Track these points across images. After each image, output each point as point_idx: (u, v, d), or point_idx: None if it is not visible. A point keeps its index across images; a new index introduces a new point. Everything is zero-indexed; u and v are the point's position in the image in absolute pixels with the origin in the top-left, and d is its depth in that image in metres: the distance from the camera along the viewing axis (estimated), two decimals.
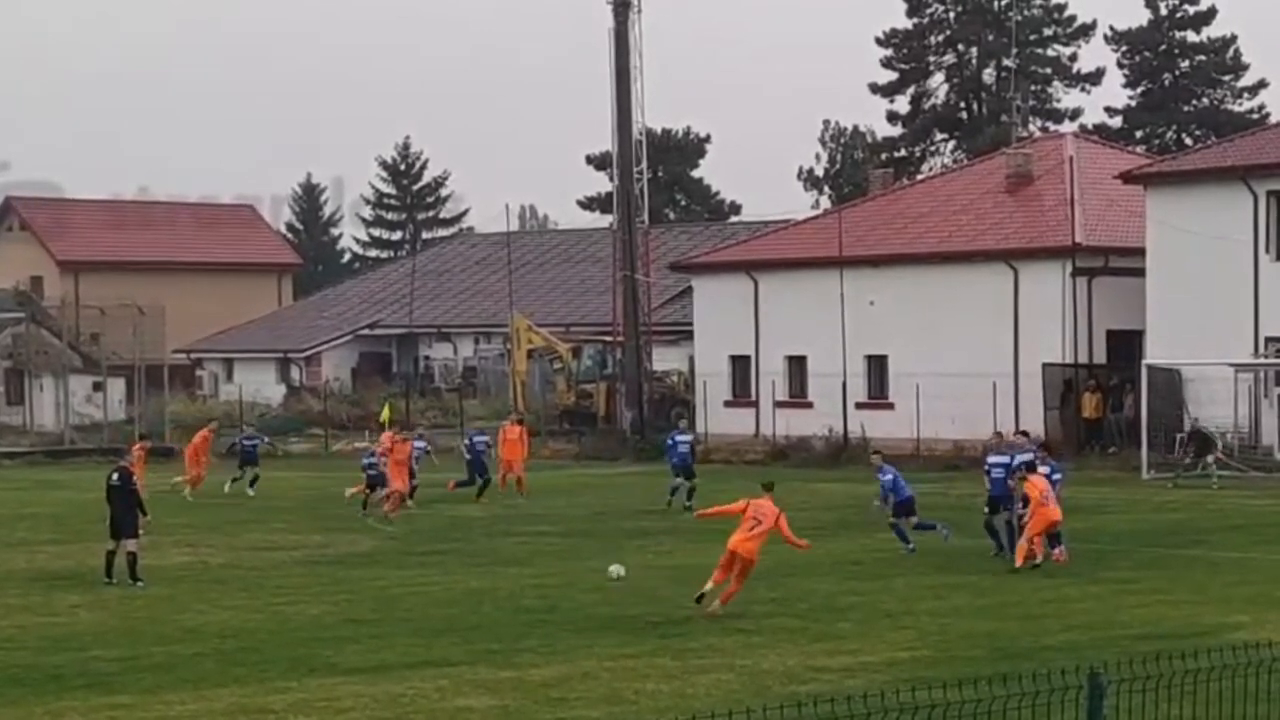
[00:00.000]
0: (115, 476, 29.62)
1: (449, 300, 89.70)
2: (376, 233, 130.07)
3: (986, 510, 31.51)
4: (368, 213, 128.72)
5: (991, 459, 31.71)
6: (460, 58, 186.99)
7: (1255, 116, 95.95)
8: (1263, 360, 51.89)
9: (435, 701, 18.84)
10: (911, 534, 31.78)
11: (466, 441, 46.41)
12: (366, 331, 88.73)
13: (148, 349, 67.25)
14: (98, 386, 69.93)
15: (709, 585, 24.66)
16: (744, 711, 10.66)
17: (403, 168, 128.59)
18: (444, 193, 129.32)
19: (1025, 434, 34.96)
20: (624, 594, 27.12)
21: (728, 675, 20.10)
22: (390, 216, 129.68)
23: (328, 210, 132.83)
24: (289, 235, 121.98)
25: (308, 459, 62.14)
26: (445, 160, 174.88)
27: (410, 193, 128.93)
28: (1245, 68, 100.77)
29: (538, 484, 46.11)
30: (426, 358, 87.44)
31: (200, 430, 49.68)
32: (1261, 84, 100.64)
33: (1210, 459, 46.86)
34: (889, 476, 32.15)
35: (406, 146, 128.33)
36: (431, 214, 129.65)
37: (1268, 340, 52.21)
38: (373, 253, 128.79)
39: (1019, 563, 28.80)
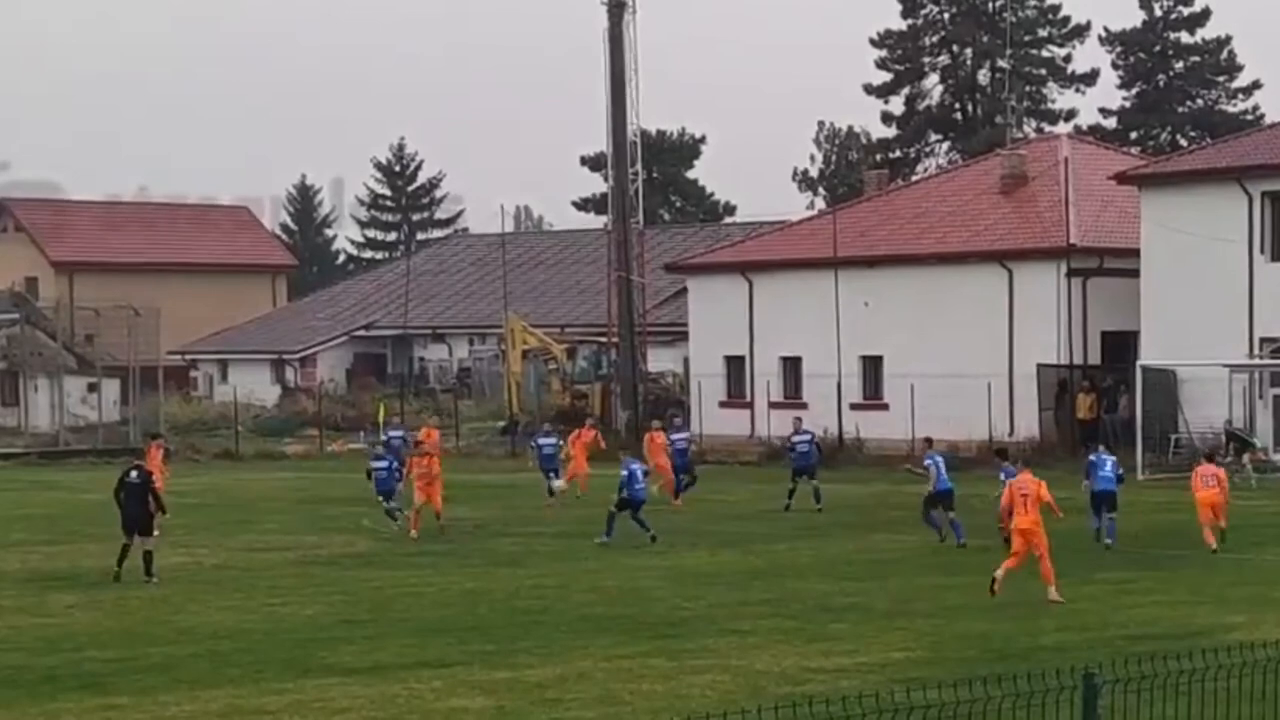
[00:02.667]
0: (135, 475, 29.74)
1: (444, 301, 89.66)
2: (371, 234, 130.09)
3: (929, 505, 33.79)
4: (362, 214, 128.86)
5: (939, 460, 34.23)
6: (455, 58, 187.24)
7: (1250, 117, 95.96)
8: (1258, 361, 51.91)
9: (431, 702, 18.83)
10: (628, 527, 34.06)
11: (533, 444, 45.79)
12: (361, 333, 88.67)
13: (142, 350, 67.15)
14: (92, 388, 69.89)
15: (1000, 571, 25.45)
16: (739, 712, 10.63)
17: (397, 169, 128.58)
18: (439, 194, 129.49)
19: (929, 441, 36.71)
20: (619, 595, 27.15)
21: (723, 676, 20.09)
22: (385, 218, 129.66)
23: (323, 211, 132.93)
24: (283, 236, 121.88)
25: (302, 460, 62.09)
26: (440, 161, 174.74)
27: (405, 194, 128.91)
28: (1240, 69, 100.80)
29: (531, 484, 46.10)
30: (421, 359, 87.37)
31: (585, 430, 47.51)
32: (1256, 85, 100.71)
33: (1246, 459, 46.99)
34: (624, 474, 34.75)
35: (401, 147, 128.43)
36: (426, 215, 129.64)
37: (1262, 341, 52.22)
38: (367, 254, 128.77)
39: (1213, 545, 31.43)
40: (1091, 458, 33.98)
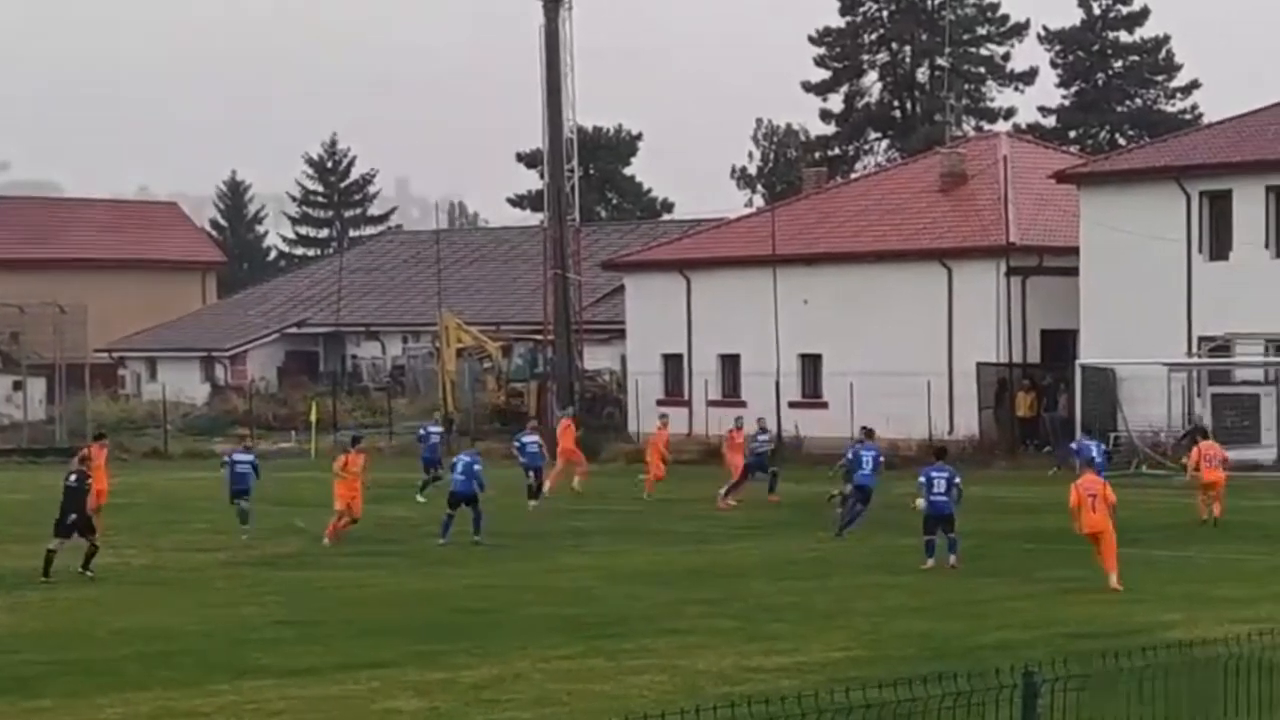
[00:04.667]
0: (73, 478, 29.79)
1: (377, 298, 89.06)
2: (303, 230, 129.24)
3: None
4: (294, 210, 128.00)
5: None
6: (388, 53, 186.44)
7: (1188, 117, 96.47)
8: (1196, 360, 52.06)
9: (366, 703, 18.54)
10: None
11: (516, 443, 44.55)
12: (293, 330, 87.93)
13: (69, 348, 66.39)
14: (17, 386, 69.06)
15: (1112, 577, 26.60)
16: (678, 713, 10.41)
17: (329, 165, 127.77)
18: (371, 190, 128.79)
19: (867, 427, 38.70)
20: (558, 595, 26.89)
21: (662, 676, 19.86)
22: (317, 214, 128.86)
23: (253, 208, 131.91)
24: (213, 233, 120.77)
25: None
26: (372, 158, 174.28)
27: (337, 190, 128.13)
28: (1178, 68, 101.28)
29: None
30: (354, 356, 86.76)
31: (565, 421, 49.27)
32: (1194, 84, 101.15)
33: None
34: (454, 462, 35.38)
35: (333, 144, 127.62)
36: (359, 212, 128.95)
37: (1201, 340, 52.38)
38: (299, 251, 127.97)
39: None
40: (1074, 445, 35.89)
